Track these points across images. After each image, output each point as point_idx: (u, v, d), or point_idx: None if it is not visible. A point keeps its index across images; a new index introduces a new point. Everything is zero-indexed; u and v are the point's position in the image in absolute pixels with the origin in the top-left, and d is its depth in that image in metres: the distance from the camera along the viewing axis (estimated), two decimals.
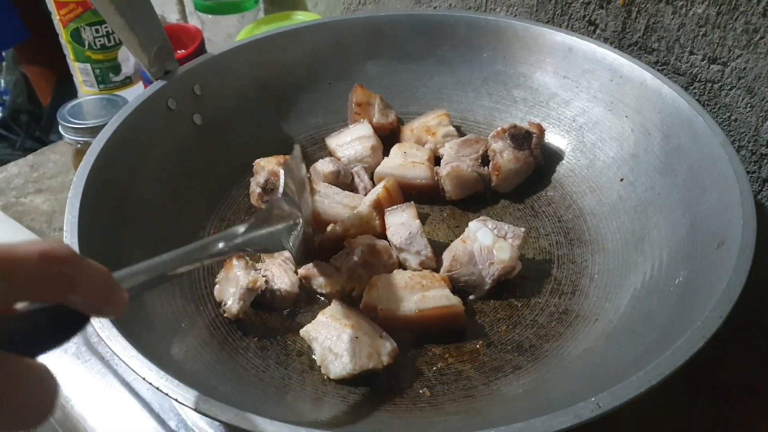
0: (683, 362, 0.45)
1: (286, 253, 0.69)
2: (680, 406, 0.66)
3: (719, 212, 0.58)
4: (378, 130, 0.84)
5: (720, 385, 0.68)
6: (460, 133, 0.85)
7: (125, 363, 0.48)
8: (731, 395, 0.68)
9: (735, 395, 0.68)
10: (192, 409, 0.45)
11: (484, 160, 0.78)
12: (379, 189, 0.72)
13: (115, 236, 0.64)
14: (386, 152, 0.81)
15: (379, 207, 0.71)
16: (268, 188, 0.74)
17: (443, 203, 0.79)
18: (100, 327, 0.50)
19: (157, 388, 0.46)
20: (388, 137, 0.85)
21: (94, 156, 0.65)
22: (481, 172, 0.77)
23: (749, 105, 0.69)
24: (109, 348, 0.49)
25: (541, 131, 0.78)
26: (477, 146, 0.79)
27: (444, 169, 0.77)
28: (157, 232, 0.68)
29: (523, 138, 0.76)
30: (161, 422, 0.64)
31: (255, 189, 0.75)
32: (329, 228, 0.71)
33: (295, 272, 0.68)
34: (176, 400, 0.45)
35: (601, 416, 0.43)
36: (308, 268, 0.67)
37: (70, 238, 0.57)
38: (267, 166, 0.75)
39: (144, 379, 0.47)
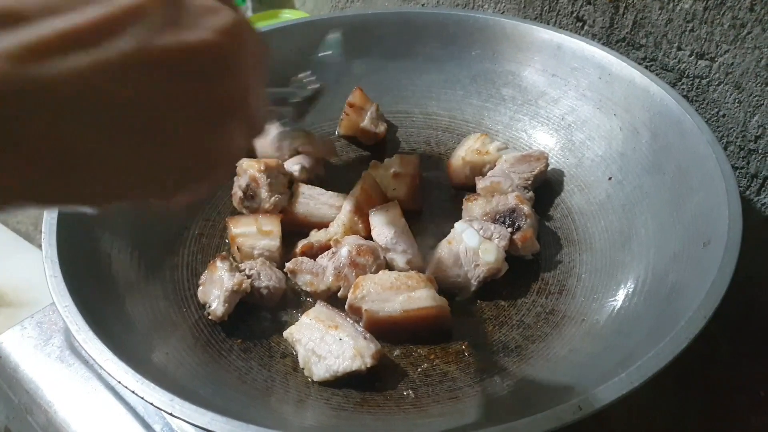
0: (666, 364, 0.45)
1: (267, 252, 0.68)
2: (671, 402, 0.66)
3: (706, 212, 0.58)
4: (362, 136, 0.84)
5: (710, 381, 0.68)
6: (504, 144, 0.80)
7: (101, 366, 0.47)
8: (721, 391, 0.67)
9: (725, 391, 0.68)
10: (168, 413, 0.44)
11: (537, 180, 0.73)
12: (356, 191, 0.71)
13: (96, 237, 0.63)
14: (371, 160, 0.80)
15: (360, 210, 0.70)
16: (249, 194, 0.73)
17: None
18: (77, 330, 0.49)
19: (133, 392, 0.46)
20: (372, 147, 0.85)
21: None
22: (524, 197, 0.70)
23: (737, 100, 0.69)
24: (85, 351, 0.48)
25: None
26: (535, 164, 0.73)
27: (483, 182, 0.74)
28: (140, 234, 0.68)
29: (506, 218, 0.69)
30: (146, 426, 0.63)
31: (237, 192, 0.74)
32: (312, 233, 0.71)
33: (280, 268, 0.67)
34: (152, 403, 0.45)
35: (582, 418, 0.43)
36: (295, 263, 0.66)
37: (48, 239, 0.57)
38: (249, 170, 0.73)
39: (120, 382, 0.46)
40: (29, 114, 0.23)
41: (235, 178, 0.75)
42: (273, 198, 0.72)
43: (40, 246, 0.58)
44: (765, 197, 0.72)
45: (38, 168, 0.24)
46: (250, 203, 0.73)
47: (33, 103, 0.23)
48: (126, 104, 0.25)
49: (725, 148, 0.72)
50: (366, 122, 0.83)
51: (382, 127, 0.84)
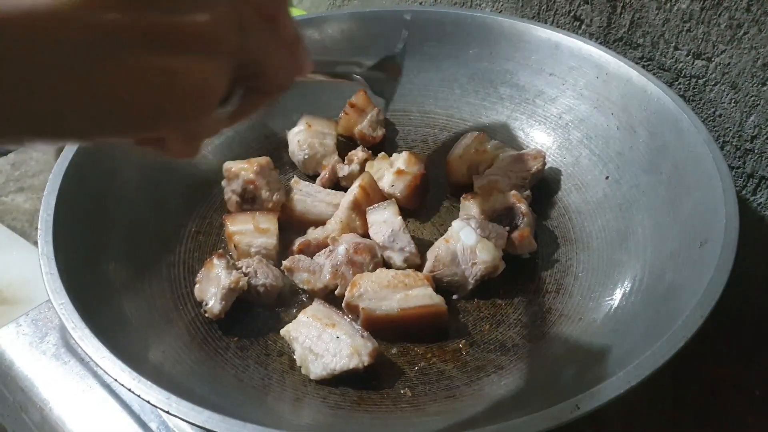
0: (663, 363, 0.45)
1: (264, 250, 0.68)
2: (667, 401, 0.66)
3: (703, 211, 0.58)
4: (359, 138, 0.83)
5: (706, 380, 0.68)
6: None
7: (97, 364, 0.47)
8: (717, 390, 0.68)
9: (721, 390, 0.68)
10: (164, 411, 0.44)
11: (534, 178, 0.73)
12: (355, 189, 0.71)
13: (92, 234, 0.63)
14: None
15: (358, 207, 0.70)
16: (248, 197, 0.72)
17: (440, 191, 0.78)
18: (73, 327, 0.49)
19: (130, 390, 0.45)
20: (372, 147, 0.84)
21: (71, 153, 0.64)
22: (521, 195, 0.69)
23: (733, 100, 0.69)
24: (81, 349, 0.48)
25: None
26: (532, 163, 0.73)
27: (480, 180, 0.73)
28: (136, 231, 0.67)
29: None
30: (142, 424, 0.63)
31: (232, 197, 0.73)
32: (310, 231, 0.71)
33: (277, 266, 0.67)
34: (148, 402, 0.45)
35: (580, 417, 0.43)
36: (292, 261, 0.66)
37: (44, 236, 0.56)
38: (242, 174, 0.72)
39: (116, 380, 0.46)
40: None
41: (225, 183, 0.74)
42: (274, 196, 0.72)
43: (35, 243, 0.58)
44: (761, 197, 0.73)
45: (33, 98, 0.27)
46: (251, 206, 0.72)
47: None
48: (87, 31, 0.28)
49: (721, 148, 0.72)
50: (364, 125, 0.83)
51: (380, 132, 0.83)
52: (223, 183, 0.74)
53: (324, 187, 0.77)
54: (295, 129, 0.80)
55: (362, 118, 0.83)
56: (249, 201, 0.72)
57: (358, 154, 0.78)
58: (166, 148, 0.36)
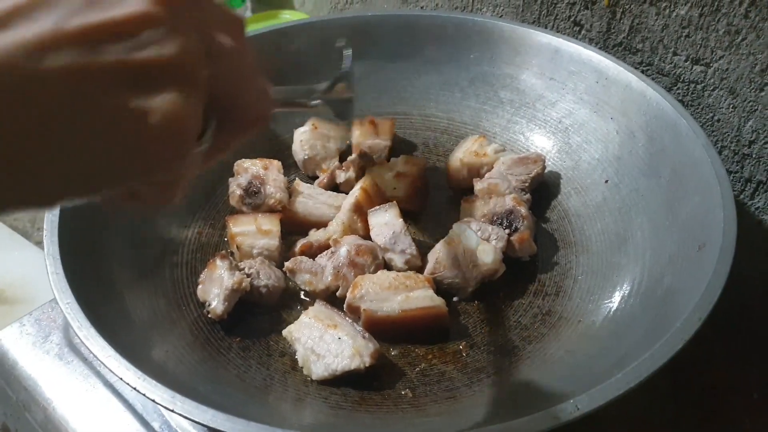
0: (662, 364, 0.45)
1: (266, 252, 0.69)
2: (666, 404, 0.66)
3: (701, 215, 0.59)
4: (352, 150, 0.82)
5: (704, 383, 0.69)
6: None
7: (103, 363, 0.48)
8: (715, 393, 0.68)
9: (719, 393, 0.68)
10: (169, 410, 0.45)
11: (534, 182, 0.74)
12: (356, 191, 0.72)
13: (96, 235, 0.63)
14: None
15: (360, 209, 0.71)
16: (252, 191, 0.73)
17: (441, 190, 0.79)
18: (78, 327, 0.50)
19: (135, 389, 0.46)
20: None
21: None
22: (521, 199, 0.71)
23: (731, 105, 0.70)
24: (87, 347, 0.48)
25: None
26: (532, 166, 0.74)
27: (480, 183, 0.74)
28: (139, 232, 0.68)
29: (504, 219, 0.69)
30: (144, 423, 0.64)
31: (236, 191, 0.74)
32: (311, 233, 0.71)
33: (279, 267, 0.67)
34: (153, 400, 0.45)
35: (580, 418, 0.44)
36: (294, 262, 0.67)
37: (50, 236, 0.57)
38: (251, 169, 0.74)
39: (121, 379, 0.47)
40: None
41: (232, 179, 0.75)
42: (277, 194, 0.73)
43: (37, 243, 0.58)
44: (758, 201, 0.73)
45: None
46: (253, 199, 0.73)
47: None
48: (45, 79, 0.25)
49: (720, 153, 0.73)
50: (366, 144, 0.80)
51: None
52: (231, 179, 0.75)
53: None
54: (302, 128, 0.81)
55: (370, 138, 0.81)
56: (252, 195, 0.73)
57: (356, 161, 0.79)
58: (140, 199, 0.32)
